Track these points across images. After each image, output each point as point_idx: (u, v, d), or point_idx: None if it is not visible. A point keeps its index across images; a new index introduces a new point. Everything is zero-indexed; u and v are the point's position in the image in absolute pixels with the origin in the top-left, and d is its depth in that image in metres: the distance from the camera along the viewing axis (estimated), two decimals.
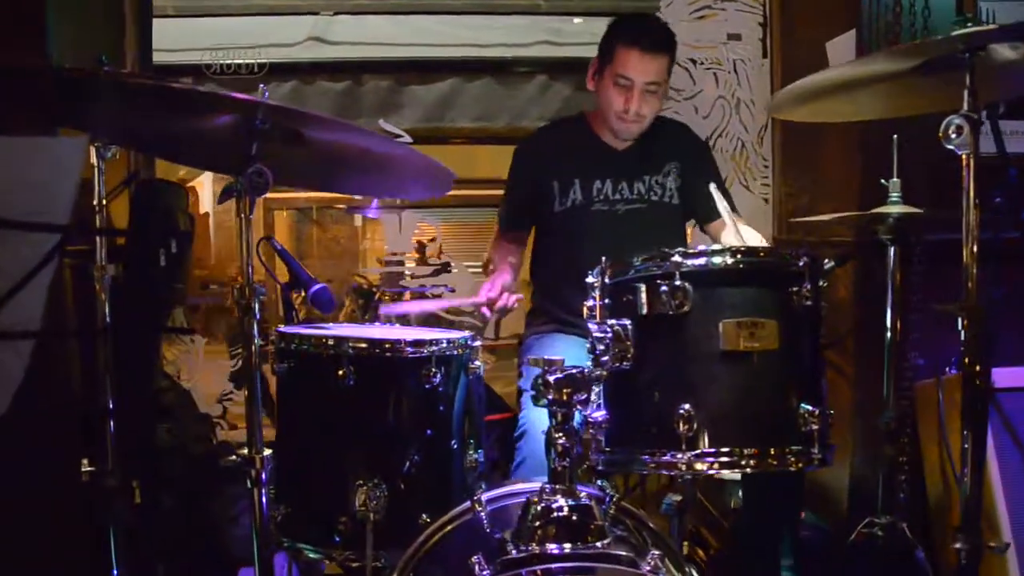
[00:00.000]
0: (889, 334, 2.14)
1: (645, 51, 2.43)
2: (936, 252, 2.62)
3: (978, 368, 1.63)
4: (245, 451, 1.70)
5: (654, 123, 2.68)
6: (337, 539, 1.92)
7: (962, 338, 1.59)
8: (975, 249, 1.59)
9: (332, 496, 1.93)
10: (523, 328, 2.83)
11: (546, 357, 1.51)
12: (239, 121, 1.62)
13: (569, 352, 1.92)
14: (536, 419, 2.24)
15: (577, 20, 5.34)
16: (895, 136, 2.13)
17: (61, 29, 2.45)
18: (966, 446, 1.64)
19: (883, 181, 2.11)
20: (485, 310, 2.39)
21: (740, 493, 3.11)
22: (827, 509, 2.83)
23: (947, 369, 2.63)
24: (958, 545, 1.59)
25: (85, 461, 2.04)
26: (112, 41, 2.77)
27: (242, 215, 1.62)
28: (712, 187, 2.14)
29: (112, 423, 2.02)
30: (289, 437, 2.04)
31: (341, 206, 10.35)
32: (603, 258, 1.69)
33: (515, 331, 3.20)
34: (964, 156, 1.59)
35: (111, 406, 1.99)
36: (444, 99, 4.78)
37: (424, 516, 1.93)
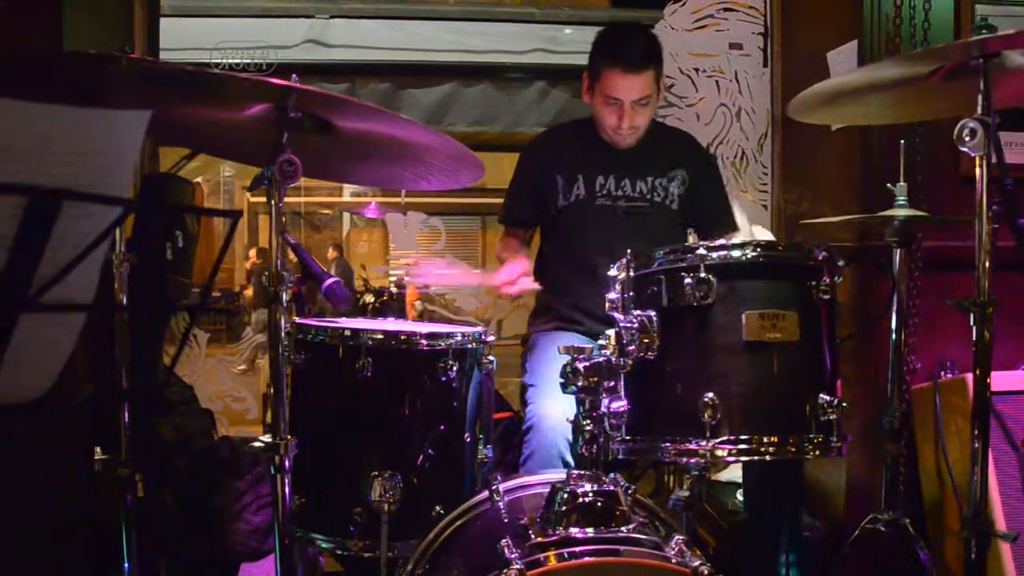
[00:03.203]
0: (895, 335, 2.19)
1: (628, 71, 2.44)
2: (933, 258, 2.69)
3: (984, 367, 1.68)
4: (269, 437, 1.71)
5: (658, 128, 2.73)
6: (352, 529, 1.93)
7: (974, 333, 1.64)
8: (987, 246, 1.63)
9: (348, 487, 1.95)
10: (525, 328, 2.86)
11: (576, 345, 1.54)
12: (270, 110, 1.64)
13: None
14: (545, 414, 2.26)
15: (568, 30, 5.41)
16: (902, 142, 2.18)
17: (76, 21, 2.46)
18: (976, 441, 1.69)
19: (889, 185, 2.16)
20: (507, 288, 2.43)
21: (738, 495, 3.15)
22: (824, 510, 2.87)
23: (943, 373, 2.69)
24: (967, 534, 1.62)
25: (98, 449, 2.03)
26: (123, 35, 2.78)
27: (272, 202, 1.63)
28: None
29: (127, 411, 2.01)
30: (304, 428, 2.04)
31: (327, 211, 10.37)
32: (628, 251, 1.72)
33: (516, 332, 3.22)
34: (978, 158, 1.64)
35: (125, 393, 1.99)
36: (442, 102, 4.83)
37: (438, 508, 1.96)
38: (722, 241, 1.66)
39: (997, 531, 1.67)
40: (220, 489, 2.72)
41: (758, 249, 1.64)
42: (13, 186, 0.96)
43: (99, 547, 2.25)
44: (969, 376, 2.50)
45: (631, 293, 1.71)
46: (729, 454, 1.57)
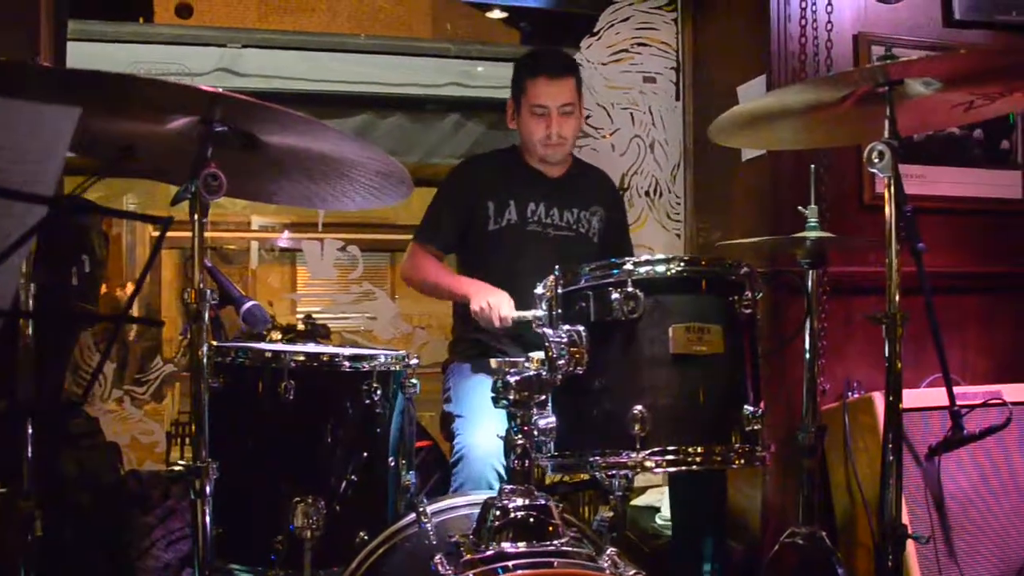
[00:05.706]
0: (808, 354, 2.27)
1: (552, 77, 2.59)
2: (838, 283, 2.81)
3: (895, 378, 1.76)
4: (188, 461, 1.65)
5: (580, 165, 2.82)
6: (273, 558, 1.87)
7: (886, 345, 1.71)
8: (896, 263, 1.71)
9: (268, 514, 1.89)
10: (438, 358, 2.85)
11: (508, 359, 1.54)
12: (195, 124, 1.61)
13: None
14: (475, 443, 2.25)
15: (480, 68, 5.47)
16: (812, 166, 2.28)
17: None
18: (889, 451, 1.76)
19: (800, 208, 2.25)
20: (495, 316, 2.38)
21: (657, 519, 3.19)
22: (741, 532, 2.92)
23: (850, 393, 2.80)
24: (882, 539, 1.69)
25: None
26: (28, 55, 2.68)
27: (195, 217, 1.59)
28: None
29: (31, 442, 1.89)
30: (222, 455, 1.97)
31: (232, 247, 10.14)
32: (556, 267, 1.74)
33: (435, 360, 3.20)
34: (885, 179, 1.73)
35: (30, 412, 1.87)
36: (357, 134, 4.78)
37: (362, 534, 1.92)
38: (647, 256, 1.70)
39: (910, 533, 1.74)
40: (127, 525, 2.60)
41: (683, 264, 1.69)
42: None
43: None
44: (876, 394, 2.62)
45: (559, 310, 1.72)
46: (658, 465, 1.60)
